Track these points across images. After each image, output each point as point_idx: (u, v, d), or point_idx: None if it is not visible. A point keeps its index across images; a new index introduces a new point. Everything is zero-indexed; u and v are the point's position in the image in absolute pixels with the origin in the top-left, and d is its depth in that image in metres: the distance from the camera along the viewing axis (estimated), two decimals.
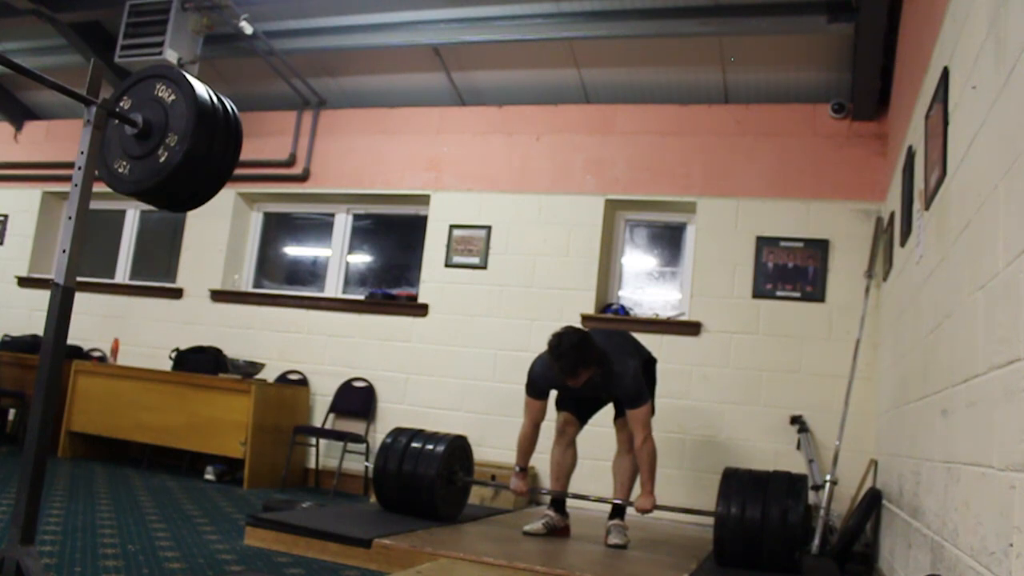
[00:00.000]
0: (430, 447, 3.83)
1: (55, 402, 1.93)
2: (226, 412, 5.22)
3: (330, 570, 2.98)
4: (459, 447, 3.99)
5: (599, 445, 4.53)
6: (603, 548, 3.58)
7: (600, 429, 4.12)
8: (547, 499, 4.12)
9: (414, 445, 3.86)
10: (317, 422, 5.65)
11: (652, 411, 3.72)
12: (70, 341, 2.60)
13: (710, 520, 4.56)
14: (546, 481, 4.88)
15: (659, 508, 3.61)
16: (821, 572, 3.54)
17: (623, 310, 5.25)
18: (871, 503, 3.78)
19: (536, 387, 3.80)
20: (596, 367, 3.55)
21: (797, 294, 4.84)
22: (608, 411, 3.97)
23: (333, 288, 6.12)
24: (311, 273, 6.37)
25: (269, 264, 6.52)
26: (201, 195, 2.14)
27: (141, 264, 6.78)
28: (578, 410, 3.92)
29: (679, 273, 5.37)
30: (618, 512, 3.76)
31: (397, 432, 4.02)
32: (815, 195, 4.92)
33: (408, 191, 5.85)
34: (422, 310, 5.57)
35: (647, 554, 3.54)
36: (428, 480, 3.73)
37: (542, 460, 4.35)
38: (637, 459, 3.66)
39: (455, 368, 5.41)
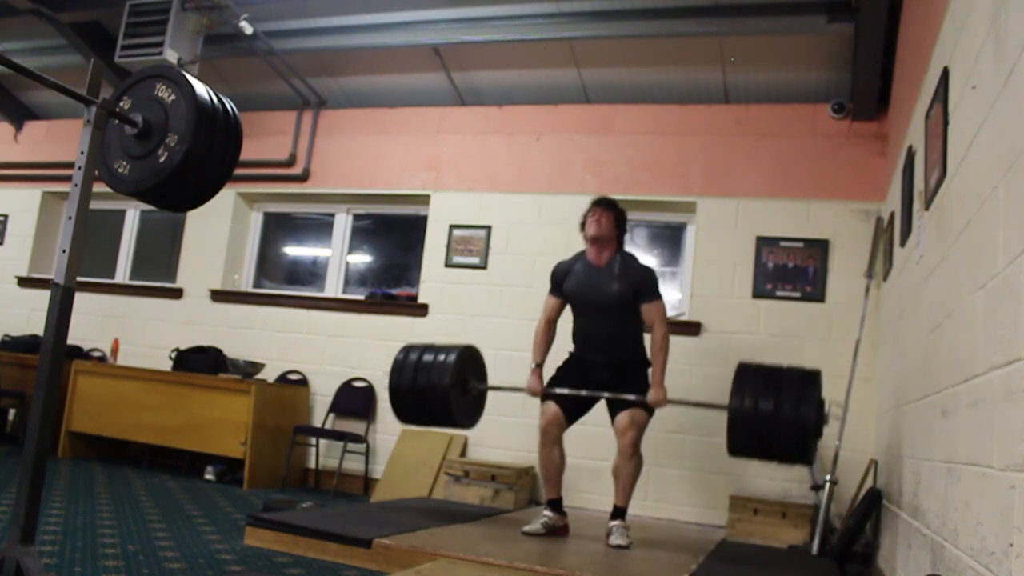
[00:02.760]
0: (442, 358, 3.85)
1: (55, 402, 1.93)
2: (226, 412, 5.22)
3: (330, 570, 2.98)
4: (471, 356, 4.02)
5: (599, 445, 4.53)
6: (603, 548, 3.58)
7: (599, 429, 4.10)
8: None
9: (426, 358, 3.88)
10: (317, 422, 5.65)
11: (650, 415, 3.74)
12: (70, 341, 2.59)
13: (710, 520, 4.57)
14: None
15: (671, 402, 3.67)
16: (821, 572, 3.55)
17: None
18: (871, 503, 3.78)
19: (554, 280, 3.94)
20: (620, 235, 3.83)
21: (797, 294, 4.84)
22: (604, 413, 3.95)
23: (333, 288, 6.12)
24: (311, 273, 6.37)
25: (269, 264, 6.52)
26: (201, 195, 2.14)
27: (141, 264, 6.78)
28: (566, 402, 3.79)
29: (679, 273, 5.37)
30: (619, 513, 3.75)
31: (408, 348, 4.02)
32: (815, 195, 4.92)
33: (408, 191, 5.85)
34: (422, 310, 5.57)
35: (647, 554, 3.54)
36: (443, 390, 3.76)
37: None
38: (653, 352, 3.71)
39: None
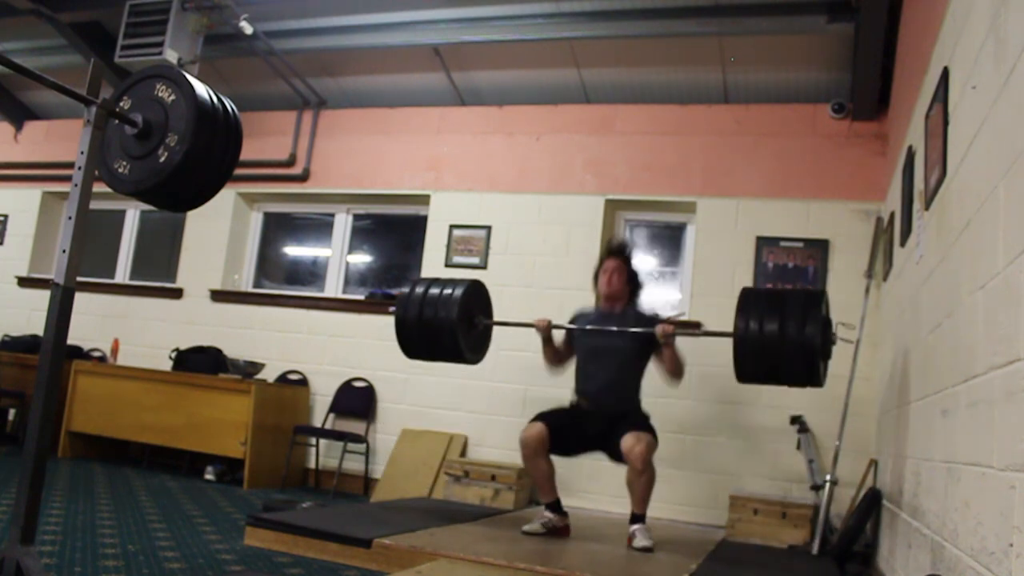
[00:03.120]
0: (448, 292, 3.89)
1: (55, 402, 1.93)
2: (226, 412, 5.22)
3: (330, 570, 2.98)
4: (477, 291, 4.05)
5: None
6: (603, 548, 3.58)
7: None
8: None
9: (432, 292, 3.91)
10: (317, 422, 5.65)
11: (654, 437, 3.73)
12: (70, 341, 2.60)
13: (710, 520, 4.57)
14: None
15: (680, 334, 3.79)
16: (821, 572, 3.55)
17: None
18: (871, 503, 3.78)
19: (568, 321, 4.02)
20: (633, 290, 3.95)
21: None
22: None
23: (333, 288, 6.12)
24: (311, 273, 6.37)
25: (269, 264, 6.52)
26: (201, 195, 2.14)
27: (141, 264, 6.78)
28: (558, 430, 3.73)
29: (679, 273, 5.37)
30: (638, 519, 3.67)
31: (415, 282, 4.07)
32: (815, 195, 4.92)
33: (408, 191, 5.85)
34: None
35: (647, 554, 3.54)
36: (449, 323, 3.80)
37: None
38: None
39: (455, 368, 5.37)
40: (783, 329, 3.26)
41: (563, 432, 3.76)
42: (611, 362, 3.84)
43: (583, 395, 3.88)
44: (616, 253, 4.00)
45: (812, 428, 4.62)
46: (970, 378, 1.97)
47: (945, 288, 2.43)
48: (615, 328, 3.85)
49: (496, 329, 5.36)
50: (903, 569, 2.89)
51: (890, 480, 3.54)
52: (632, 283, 3.98)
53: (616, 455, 3.68)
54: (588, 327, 3.94)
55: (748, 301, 3.43)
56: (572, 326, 3.96)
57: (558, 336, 4.04)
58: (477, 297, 4.05)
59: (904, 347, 3.35)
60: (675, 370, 3.79)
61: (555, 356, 4.00)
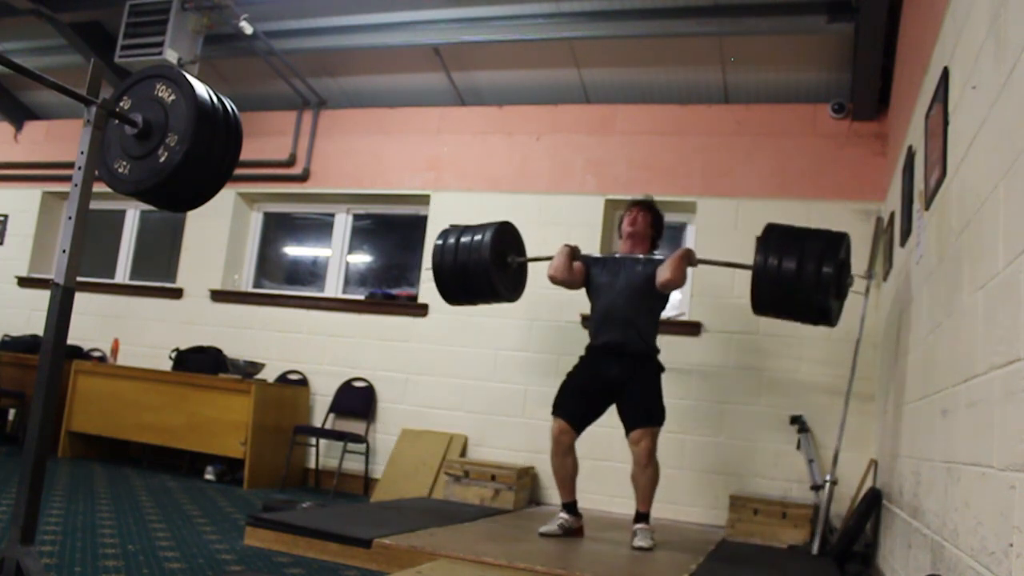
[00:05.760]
0: (479, 237, 4.07)
1: (55, 402, 1.93)
2: (226, 412, 5.22)
3: (330, 570, 2.98)
4: (506, 231, 4.22)
5: (599, 445, 4.54)
6: (603, 548, 3.58)
7: (600, 429, 4.10)
8: (547, 499, 4.11)
9: (463, 240, 4.10)
10: (317, 422, 5.65)
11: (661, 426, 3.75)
12: (70, 341, 2.59)
13: (710, 520, 4.57)
14: (548, 485, 4.89)
15: (702, 262, 3.88)
16: (821, 572, 3.55)
17: None
18: (871, 503, 3.78)
19: (586, 257, 4.04)
20: (655, 236, 4.00)
21: None
22: (610, 419, 3.95)
23: (333, 288, 6.12)
24: (311, 273, 6.37)
25: (269, 264, 6.52)
26: (201, 195, 2.15)
27: (141, 264, 6.78)
28: (573, 411, 3.79)
29: None
30: (642, 517, 3.70)
31: (446, 232, 4.24)
32: (815, 195, 4.92)
33: (408, 191, 5.85)
34: (422, 310, 5.57)
35: (647, 554, 3.54)
36: (483, 266, 3.97)
37: (543, 461, 4.35)
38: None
39: (455, 368, 5.41)
40: (801, 265, 3.37)
41: (582, 405, 3.79)
42: (626, 302, 3.84)
43: (599, 336, 3.88)
44: (640, 203, 4.08)
45: (812, 428, 4.62)
46: (970, 378, 1.97)
47: (945, 288, 2.43)
48: (640, 255, 3.91)
49: (497, 327, 5.38)
50: (903, 569, 2.89)
51: (890, 480, 3.54)
52: (655, 228, 4.03)
53: (627, 421, 3.75)
54: (616, 255, 4.00)
55: (770, 237, 3.55)
56: (596, 255, 4.08)
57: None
58: (508, 237, 4.22)
59: (904, 347, 3.35)
60: (672, 271, 3.72)
61: (568, 271, 3.96)
